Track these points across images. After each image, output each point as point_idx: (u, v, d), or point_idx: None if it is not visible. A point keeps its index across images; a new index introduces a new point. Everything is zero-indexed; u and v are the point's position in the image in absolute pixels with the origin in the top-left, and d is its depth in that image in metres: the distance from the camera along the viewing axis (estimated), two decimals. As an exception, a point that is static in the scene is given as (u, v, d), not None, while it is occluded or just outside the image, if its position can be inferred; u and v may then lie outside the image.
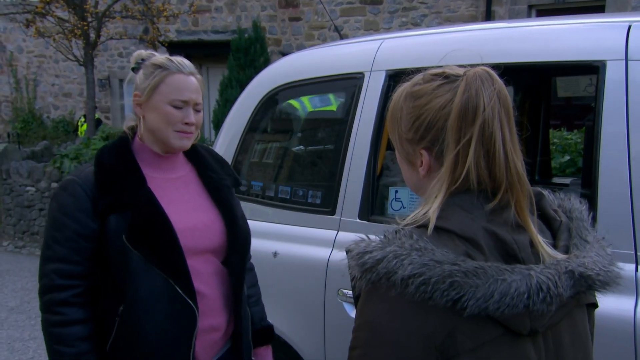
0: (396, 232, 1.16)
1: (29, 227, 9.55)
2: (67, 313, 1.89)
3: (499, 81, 1.22)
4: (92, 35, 11.17)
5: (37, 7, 11.16)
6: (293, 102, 6.68)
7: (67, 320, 1.89)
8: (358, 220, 2.77)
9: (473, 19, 11.95)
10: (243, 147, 3.36)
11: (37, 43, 16.52)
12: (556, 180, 4.46)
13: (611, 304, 2.15)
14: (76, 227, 1.89)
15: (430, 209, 1.18)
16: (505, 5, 11.87)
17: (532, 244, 1.19)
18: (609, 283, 1.23)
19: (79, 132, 14.99)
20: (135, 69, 2.09)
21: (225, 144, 3.35)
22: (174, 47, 14.62)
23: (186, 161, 2.19)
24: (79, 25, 10.89)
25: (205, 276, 2.04)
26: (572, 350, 1.23)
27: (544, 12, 11.53)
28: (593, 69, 2.33)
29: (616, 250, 2.14)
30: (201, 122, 2.13)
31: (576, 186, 3.18)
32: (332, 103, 7.11)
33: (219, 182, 2.19)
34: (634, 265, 2.16)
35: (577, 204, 1.40)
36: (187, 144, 2.08)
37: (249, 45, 12.04)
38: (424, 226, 1.16)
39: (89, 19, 11.05)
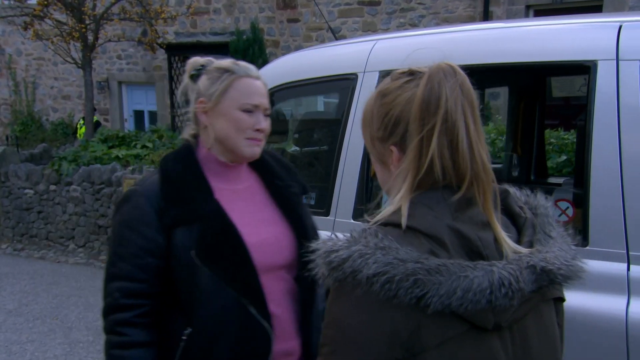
0: (363, 230, 1.17)
1: (27, 230, 9.54)
2: (130, 334, 1.78)
3: (462, 74, 1.23)
4: (90, 38, 11.16)
5: (35, 10, 11.15)
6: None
7: (130, 342, 1.77)
8: (352, 221, 2.77)
9: (471, 20, 11.96)
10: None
11: (35, 46, 16.52)
12: (552, 180, 4.47)
13: (603, 304, 2.16)
14: (141, 242, 1.79)
15: (398, 207, 1.20)
16: (502, 6, 11.88)
17: (496, 240, 1.21)
18: (572, 277, 1.25)
19: (77, 135, 14.98)
20: (194, 77, 1.96)
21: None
22: (172, 49, 14.67)
23: (250, 170, 2.05)
24: (77, 28, 10.88)
25: (278, 295, 1.89)
26: (538, 344, 1.24)
27: (541, 12, 11.54)
28: (584, 69, 2.34)
29: (608, 249, 2.18)
30: (269, 129, 2.00)
31: (569, 186, 3.19)
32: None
33: (286, 190, 2.06)
34: (625, 265, 2.17)
35: (542, 201, 1.41)
36: (258, 151, 1.95)
37: (247, 46, 12.06)
38: (391, 224, 1.17)
39: (87, 22, 11.04)
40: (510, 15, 11.60)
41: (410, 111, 1.22)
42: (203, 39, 14.63)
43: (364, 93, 2.81)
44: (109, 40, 12.45)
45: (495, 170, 3.84)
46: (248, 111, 1.89)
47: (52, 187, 9.20)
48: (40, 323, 6.00)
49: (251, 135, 1.91)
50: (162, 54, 14.96)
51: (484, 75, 3.23)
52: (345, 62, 3.00)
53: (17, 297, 6.77)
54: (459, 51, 2.59)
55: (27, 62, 17.74)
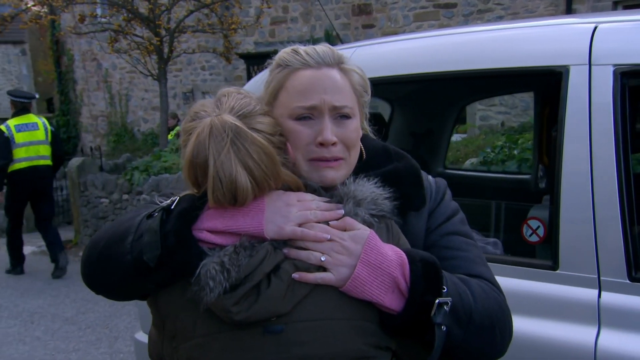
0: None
1: (103, 238, 9.86)
2: None
3: (232, 129, 1.28)
4: (165, 50, 11.47)
5: (115, 25, 11.59)
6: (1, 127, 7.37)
7: None
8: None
9: (551, 19, 11.45)
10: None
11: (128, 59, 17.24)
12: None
13: (571, 334, 1.98)
14: None
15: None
16: (587, 3, 11.31)
17: None
18: None
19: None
20: None
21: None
22: (251, 59, 14.88)
23: None
24: (152, 41, 11.21)
25: None
26: None
27: (630, 7, 10.92)
28: (556, 75, 2.14)
29: (579, 274, 1.98)
30: (355, 138, 1.43)
31: (548, 202, 2.94)
32: (39, 128, 7.81)
33: None
34: (596, 291, 1.99)
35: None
36: (332, 176, 1.40)
37: (321, 54, 12.03)
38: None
39: (163, 34, 11.35)
40: (594, 13, 11.02)
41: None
42: (281, 48, 14.65)
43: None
44: (184, 52, 12.73)
45: (522, 182, 3.59)
46: (303, 118, 1.41)
47: (125, 197, 9.50)
48: (90, 332, 6.13)
49: (315, 154, 1.40)
50: (242, 64, 15.19)
51: (446, 83, 3.07)
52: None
53: (76, 305, 6.98)
54: (426, 59, 2.44)
55: (120, 76, 18.50)
